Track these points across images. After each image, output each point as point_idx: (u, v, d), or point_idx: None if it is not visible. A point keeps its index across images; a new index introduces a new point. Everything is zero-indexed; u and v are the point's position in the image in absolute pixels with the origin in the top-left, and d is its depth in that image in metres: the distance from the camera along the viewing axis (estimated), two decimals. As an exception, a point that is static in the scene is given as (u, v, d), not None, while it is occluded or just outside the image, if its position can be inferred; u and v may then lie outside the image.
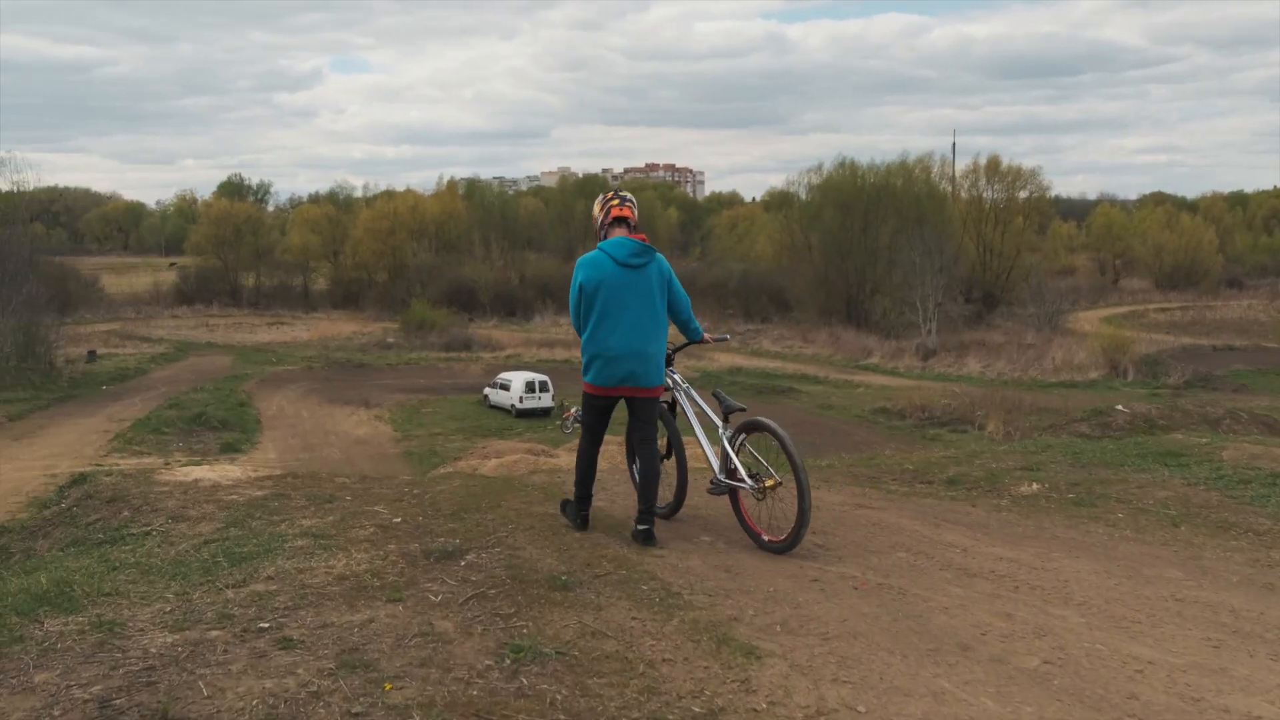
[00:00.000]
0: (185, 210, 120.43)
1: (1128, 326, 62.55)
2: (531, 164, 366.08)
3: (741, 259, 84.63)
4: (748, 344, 61.17)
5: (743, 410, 5.77)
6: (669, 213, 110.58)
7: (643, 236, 5.72)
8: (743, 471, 5.54)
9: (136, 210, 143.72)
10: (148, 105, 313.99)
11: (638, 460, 5.79)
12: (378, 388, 44.80)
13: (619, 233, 5.72)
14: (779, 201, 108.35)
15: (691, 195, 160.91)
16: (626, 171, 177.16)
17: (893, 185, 69.16)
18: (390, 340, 61.65)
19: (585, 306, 5.60)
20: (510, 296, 76.49)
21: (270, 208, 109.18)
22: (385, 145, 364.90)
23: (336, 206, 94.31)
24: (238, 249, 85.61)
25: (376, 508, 6.13)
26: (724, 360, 51.54)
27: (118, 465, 29.50)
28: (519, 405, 37.95)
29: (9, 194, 62.37)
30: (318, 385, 45.52)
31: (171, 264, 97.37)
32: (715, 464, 5.75)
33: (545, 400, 38.58)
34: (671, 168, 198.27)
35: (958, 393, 39.00)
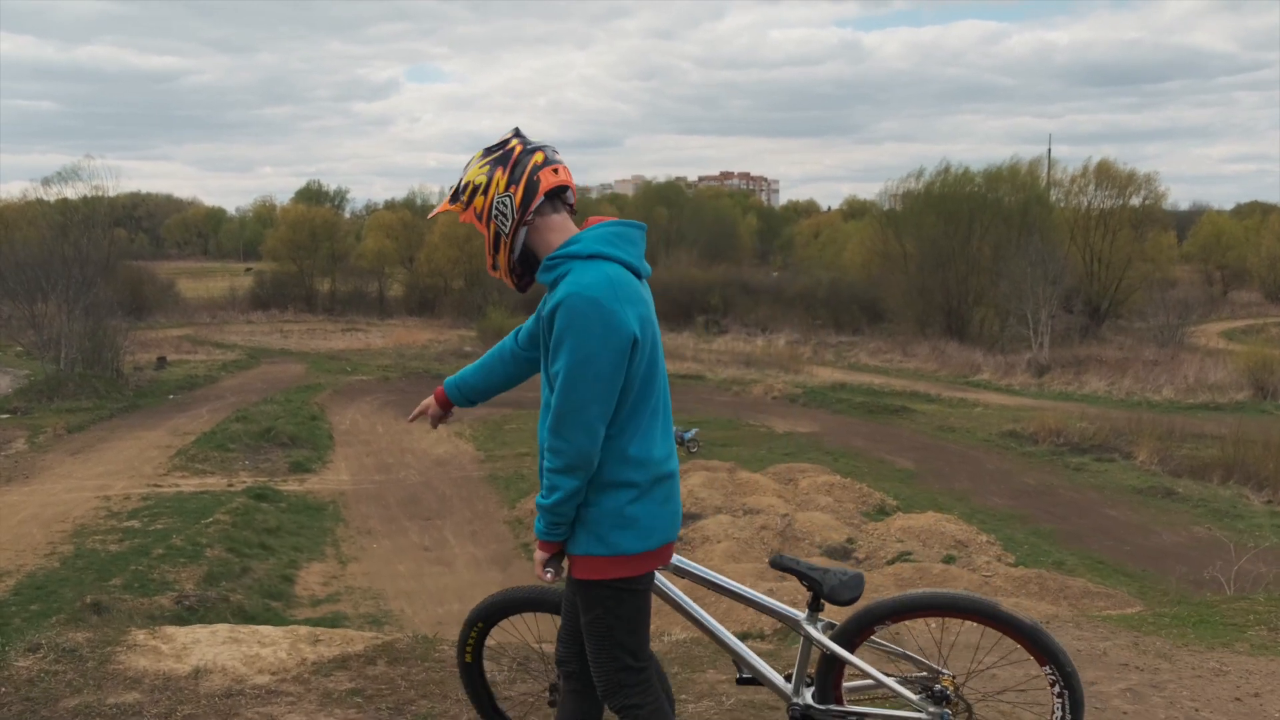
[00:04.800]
0: (263, 216, 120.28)
1: (1254, 342, 58.19)
2: (605, 173, 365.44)
3: (826, 268, 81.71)
4: (843, 356, 57.74)
5: (857, 586, 2.99)
6: (748, 220, 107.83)
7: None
8: (880, 677, 2.87)
9: (216, 216, 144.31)
10: (229, 114, 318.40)
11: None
12: (456, 401, 42.04)
13: (563, 220, 2.85)
14: (860, 210, 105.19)
15: (767, 204, 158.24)
16: (701, 179, 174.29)
17: (997, 191, 65.45)
18: (467, 349, 59.15)
19: (637, 381, 2.72)
20: (590, 305, 73.91)
21: (346, 214, 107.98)
22: (459, 153, 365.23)
23: (412, 212, 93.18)
24: (313, 254, 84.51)
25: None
26: (823, 376, 48.21)
27: (177, 486, 27.08)
28: (610, 424, 34.87)
29: (89, 199, 61.39)
30: (394, 398, 42.96)
31: (247, 269, 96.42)
32: (772, 676, 3.09)
33: (639, 418, 35.44)
34: (746, 176, 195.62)
35: (1094, 415, 35.23)
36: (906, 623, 2.98)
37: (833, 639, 3.03)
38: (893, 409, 39.29)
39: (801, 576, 3.03)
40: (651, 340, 2.74)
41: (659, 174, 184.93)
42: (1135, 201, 69.94)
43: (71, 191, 58.29)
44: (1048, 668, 2.82)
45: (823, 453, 32.06)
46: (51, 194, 59.43)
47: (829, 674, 3.06)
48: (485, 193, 2.81)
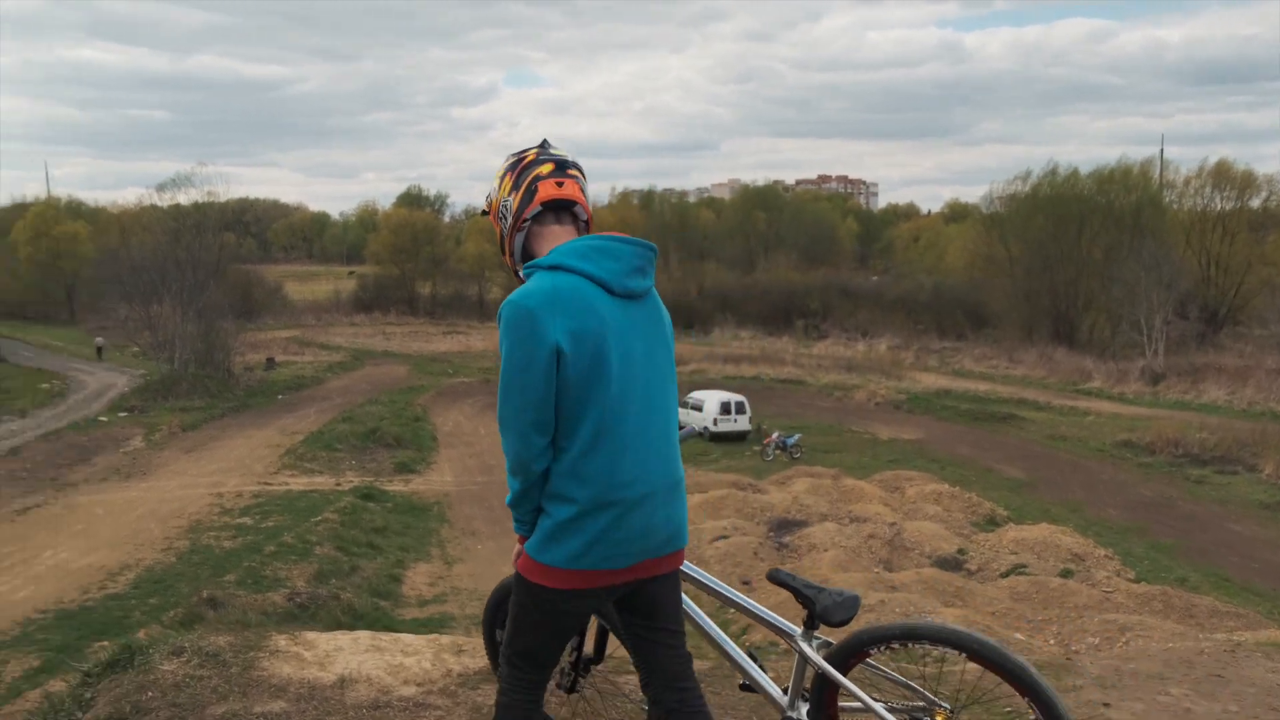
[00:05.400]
0: (366, 220, 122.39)
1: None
2: (700, 176, 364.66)
3: (928, 272, 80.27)
4: (947, 362, 56.60)
5: (850, 608, 2.90)
6: (847, 224, 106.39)
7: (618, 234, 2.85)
8: (869, 701, 2.80)
9: (320, 220, 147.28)
10: (333, 120, 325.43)
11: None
12: (556, 403, 42.23)
13: (562, 233, 2.87)
14: (962, 213, 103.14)
15: (866, 207, 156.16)
16: (798, 183, 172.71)
17: (1107, 193, 63.52)
18: (566, 351, 59.38)
19: (571, 395, 2.65)
20: (688, 308, 73.73)
21: (446, 219, 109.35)
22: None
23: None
24: (415, 258, 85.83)
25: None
26: (926, 382, 47.28)
27: (287, 485, 27.57)
28: (713, 428, 34.60)
29: (200, 205, 63.07)
30: (495, 400, 43.17)
31: (351, 272, 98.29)
32: (769, 687, 3.06)
33: (742, 423, 35.12)
34: (844, 179, 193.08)
35: (1214, 425, 33.88)
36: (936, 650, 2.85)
37: (826, 658, 2.95)
38: (1000, 416, 38.34)
39: (796, 593, 2.95)
40: (593, 355, 2.63)
41: (755, 178, 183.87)
42: (1255, 203, 67.25)
43: (184, 198, 59.83)
44: (1036, 714, 2.67)
45: (929, 460, 31.41)
46: (165, 200, 61.09)
47: (823, 691, 2.99)
48: (496, 195, 2.93)
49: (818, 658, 2.95)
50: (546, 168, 2.86)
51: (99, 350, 54.68)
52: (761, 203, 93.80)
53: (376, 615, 17.99)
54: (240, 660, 3.85)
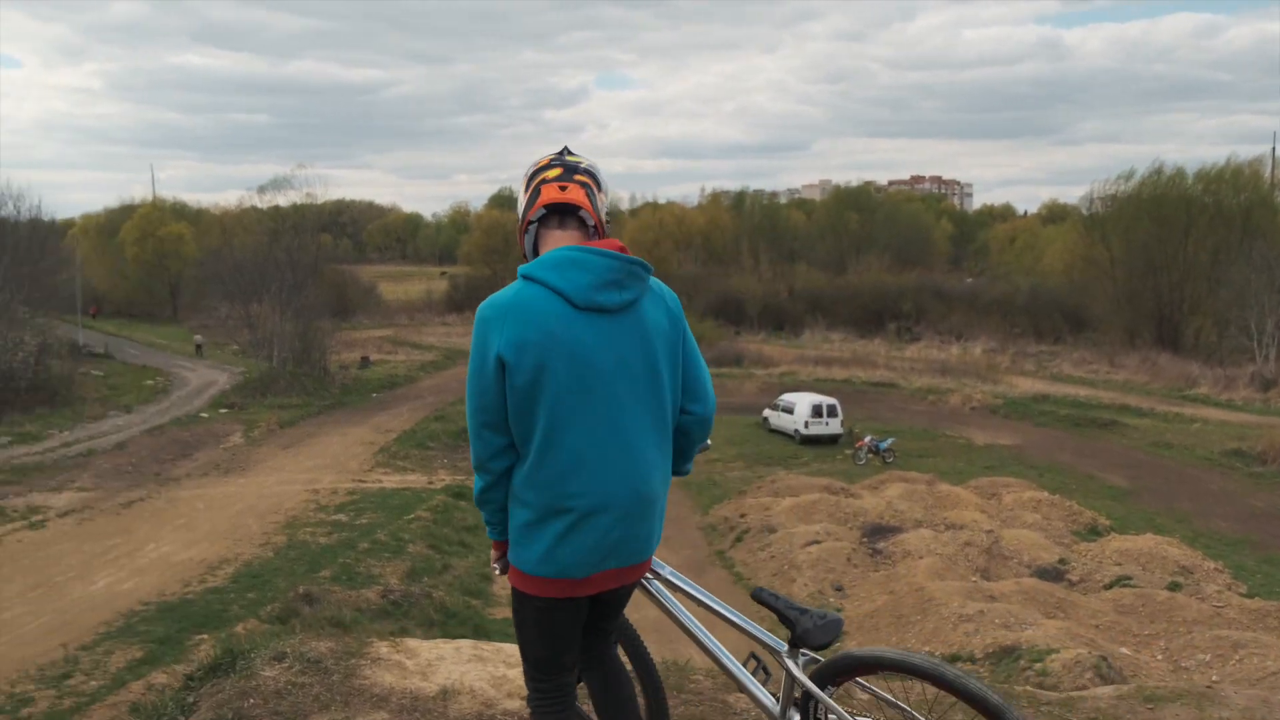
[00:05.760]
0: (458, 221, 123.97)
1: None
2: (791, 177, 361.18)
3: (1025, 274, 78.50)
4: (1045, 366, 55.23)
5: (832, 631, 2.97)
6: (942, 225, 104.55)
7: (618, 244, 2.81)
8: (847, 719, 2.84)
9: (414, 221, 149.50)
10: (427, 123, 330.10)
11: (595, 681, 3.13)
12: (646, 404, 42.17)
13: (564, 238, 2.85)
14: (1060, 213, 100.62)
15: (960, 208, 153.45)
16: (891, 184, 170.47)
17: (1215, 193, 61.38)
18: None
19: (517, 404, 2.70)
20: (779, 309, 73.23)
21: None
22: (645, 159, 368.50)
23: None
24: (506, 258, 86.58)
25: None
26: (1023, 386, 46.16)
27: (380, 482, 27.90)
28: (804, 431, 34.18)
29: (300, 206, 64.42)
30: (584, 400, 43.43)
31: (443, 273, 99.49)
32: (762, 696, 3.07)
33: (834, 426, 34.65)
34: (938, 180, 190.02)
35: (1331, 434, 32.48)
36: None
37: (811, 675, 2.97)
38: (1101, 423, 37.24)
39: (780, 614, 2.98)
40: (535, 367, 2.65)
41: (847, 178, 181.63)
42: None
43: (283, 199, 61.16)
44: None
45: (1027, 467, 30.63)
46: (265, 202, 62.50)
47: (809, 705, 3.02)
48: (520, 206, 2.98)
49: (803, 676, 2.96)
50: (554, 172, 2.89)
51: (198, 348, 56.10)
52: (854, 203, 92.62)
53: (468, 614, 18.07)
54: (342, 667, 3.77)
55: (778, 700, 3.04)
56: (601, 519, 2.72)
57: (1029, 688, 4.80)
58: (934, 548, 21.33)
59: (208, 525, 23.03)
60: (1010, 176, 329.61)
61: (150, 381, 45.05)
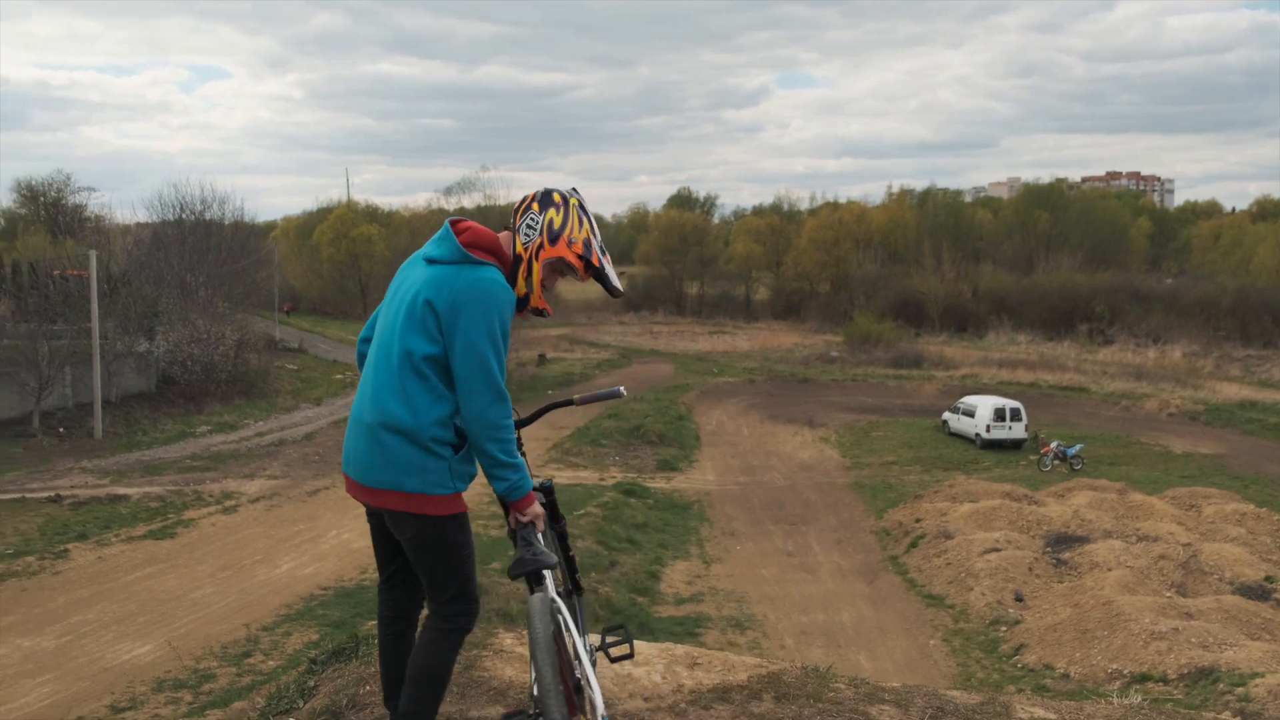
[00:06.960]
0: (637, 222, 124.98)
1: None
2: (977, 175, 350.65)
3: (1231, 274, 73.92)
4: (1252, 372, 51.79)
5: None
6: (1139, 223, 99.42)
7: (493, 240, 3.29)
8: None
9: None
10: (608, 125, 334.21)
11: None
12: (822, 405, 41.46)
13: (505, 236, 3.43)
14: (1273, 210, 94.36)
15: (1160, 205, 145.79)
16: (1085, 180, 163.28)
17: None
18: (833, 353, 58.39)
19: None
20: (961, 310, 70.97)
21: (715, 220, 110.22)
22: (826, 158, 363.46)
23: (780, 217, 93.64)
24: (683, 258, 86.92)
25: None
26: (1228, 392, 43.39)
27: (553, 477, 28.21)
28: (985, 435, 32.95)
29: (483, 207, 66.15)
30: (759, 400, 43.01)
31: (621, 273, 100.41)
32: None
33: (1017, 430, 33.27)
34: (1136, 176, 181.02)
35: None
36: None
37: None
38: (1316, 432, 34.65)
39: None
40: (385, 304, 3.30)
41: (1037, 175, 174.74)
42: None
43: (468, 201, 62.85)
44: None
45: (1230, 478, 28.69)
46: (451, 203, 64.35)
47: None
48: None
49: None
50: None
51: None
52: (1044, 201, 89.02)
53: (634, 611, 18.01)
54: (464, 658, 3.64)
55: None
56: (351, 430, 3.27)
57: (1228, 714, 4.31)
58: (1124, 560, 20.14)
59: (387, 515, 23.71)
60: (1217, 171, 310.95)
61: (339, 376, 46.94)
